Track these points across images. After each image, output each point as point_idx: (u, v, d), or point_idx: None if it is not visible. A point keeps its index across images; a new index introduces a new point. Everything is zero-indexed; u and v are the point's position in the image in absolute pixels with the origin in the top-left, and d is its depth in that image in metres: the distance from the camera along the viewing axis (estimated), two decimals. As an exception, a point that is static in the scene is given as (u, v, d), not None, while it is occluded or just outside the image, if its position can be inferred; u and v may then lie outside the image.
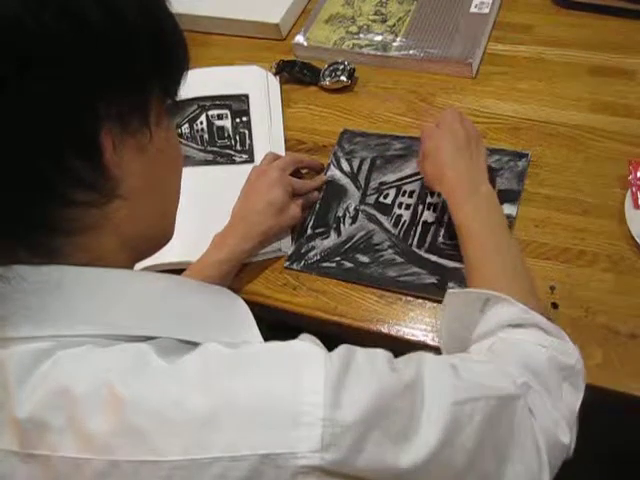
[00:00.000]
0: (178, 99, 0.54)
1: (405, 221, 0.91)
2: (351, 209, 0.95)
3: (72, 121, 0.45)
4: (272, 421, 0.45)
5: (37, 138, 0.44)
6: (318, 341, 0.51)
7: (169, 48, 0.52)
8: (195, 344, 0.50)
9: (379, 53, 1.13)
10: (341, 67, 1.10)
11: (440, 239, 0.88)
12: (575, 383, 0.63)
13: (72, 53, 0.44)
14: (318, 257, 0.91)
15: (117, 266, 0.53)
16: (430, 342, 0.81)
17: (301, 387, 0.46)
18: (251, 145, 1.04)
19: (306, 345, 0.49)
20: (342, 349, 0.50)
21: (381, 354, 0.52)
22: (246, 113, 1.08)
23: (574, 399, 0.62)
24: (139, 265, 0.60)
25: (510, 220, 0.88)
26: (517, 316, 0.65)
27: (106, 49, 0.46)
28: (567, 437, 0.59)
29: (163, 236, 0.60)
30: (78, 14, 0.44)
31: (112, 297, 0.51)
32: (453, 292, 0.73)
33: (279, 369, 0.47)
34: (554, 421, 0.59)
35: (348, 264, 0.89)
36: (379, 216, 0.93)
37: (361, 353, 0.51)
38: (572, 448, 0.61)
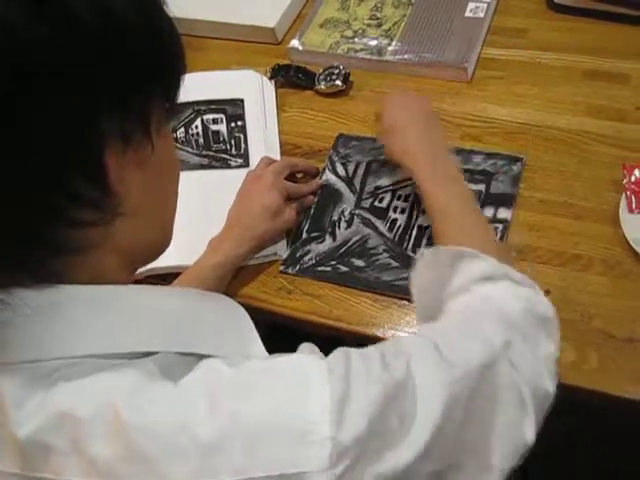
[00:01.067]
0: (177, 103, 0.53)
1: (400, 225, 0.91)
2: (346, 213, 0.95)
3: (76, 140, 0.44)
4: (279, 441, 0.44)
5: (39, 158, 0.43)
6: (317, 349, 0.51)
7: (168, 51, 0.50)
8: (198, 356, 0.50)
9: (374, 57, 1.13)
10: (336, 71, 1.10)
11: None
12: (551, 332, 0.64)
13: (71, 63, 0.42)
14: (313, 261, 0.90)
15: (117, 280, 0.52)
16: (425, 346, 0.80)
17: (305, 405, 0.46)
18: (246, 149, 1.04)
19: (306, 359, 0.49)
20: (339, 355, 0.50)
21: (374, 355, 0.52)
22: (241, 117, 1.08)
23: (552, 347, 0.63)
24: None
25: (505, 224, 0.88)
26: (488, 270, 0.66)
27: (103, 55, 0.44)
28: (550, 385, 0.60)
29: (162, 245, 0.60)
30: (76, 21, 0.42)
31: (112, 315, 0.50)
32: (423, 252, 0.73)
33: (283, 389, 0.47)
34: (536, 371, 0.59)
35: (343, 268, 0.89)
36: (374, 220, 0.93)
37: (356, 358, 0.51)
38: (553, 391, 0.61)
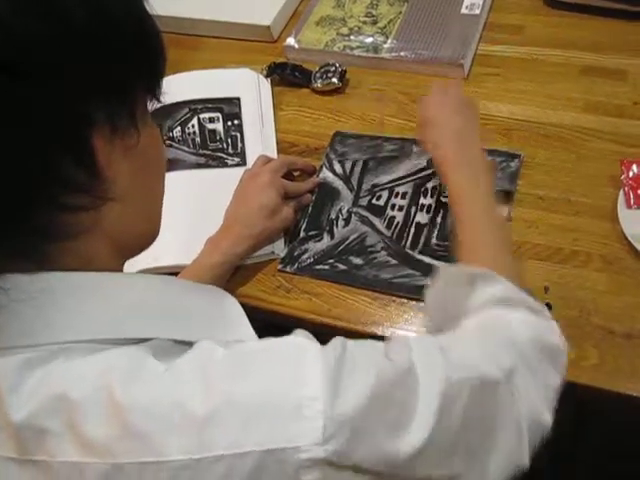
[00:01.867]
0: (161, 98, 0.54)
1: (398, 223, 0.91)
2: (344, 211, 0.94)
3: (64, 125, 0.45)
4: (273, 417, 0.45)
5: (30, 144, 0.44)
6: (312, 336, 0.51)
7: (151, 47, 0.52)
8: (190, 343, 0.50)
9: (370, 55, 1.12)
10: (332, 69, 1.10)
11: (433, 240, 0.88)
12: (558, 363, 0.63)
13: (61, 55, 0.44)
14: (311, 259, 0.90)
15: (107, 268, 0.53)
16: (424, 344, 0.80)
17: (299, 381, 0.46)
18: (243, 148, 1.04)
19: (301, 339, 0.50)
20: (335, 341, 0.50)
21: (374, 343, 0.53)
22: (238, 116, 1.07)
23: (557, 380, 0.63)
24: (133, 269, 0.59)
25: (503, 221, 0.88)
26: (507, 293, 0.65)
27: (93, 49, 0.45)
28: (548, 418, 0.60)
29: (151, 235, 0.60)
30: (65, 17, 0.44)
31: (105, 301, 0.50)
32: (444, 266, 0.73)
33: (276, 365, 0.47)
34: (537, 403, 0.59)
35: (342, 266, 0.89)
36: (372, 218, 0.93)
37: (354, 343, 0.51)
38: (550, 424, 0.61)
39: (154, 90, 0.53)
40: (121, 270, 0.58)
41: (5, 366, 0.47)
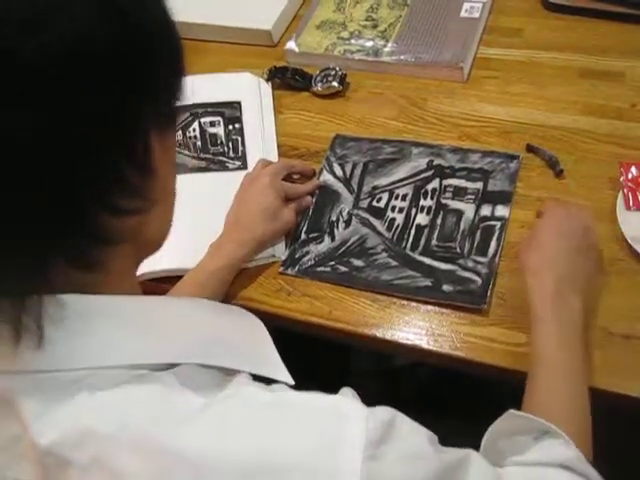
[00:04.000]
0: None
1: (398, 224, 0.92)
2: (344, 213, 0.95)
3: (123, 124, 0.46)
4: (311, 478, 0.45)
5: (93, 143, 0.44)
6: (357, 396, 0.51)
7: (180, 56, 0.52)
8: (219, 368, 0.50)
9: (370, 58, 1.13)
10: (333, 73, 1.10)
11: (434, 242, 0.89)
12: None
13: (121, 70, 0.45)
14: (312, 262, 0.91)
15: (130, 274, 0.53)
16: (425, 346, 0.81)
17: (342, 444, 0.45)
18: (244, 152, 1.05)
19: (348, 401, 0.49)
20: (385, 409, 0.49)
21: (425, 430, 0.51)
22: (239, 120, 1.08)
23: None
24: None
25: (503, 221, 0.88)
26: (571, 461, 0.60)
27: (141, 53, 0.46)
28: None
29: (164, 240, 0.60)
30: (138, 27, 0.46)
31: (134, 327, 0.50)
32: (514, 413, 0.66)
33: (320, 427, 0.47)
34: None
35: (342, 268, 0.89)
36: (372, 220, 0.93)
37: (404, 418, 0.50)
38: None
39: (179, 95, 0.54)
40: (135, 274, 0.58)
41: (31, 392, 0.46)
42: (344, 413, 0.47)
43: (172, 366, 0.50)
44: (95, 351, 0.48)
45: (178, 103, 0.53)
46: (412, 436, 0.49)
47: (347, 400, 0.49)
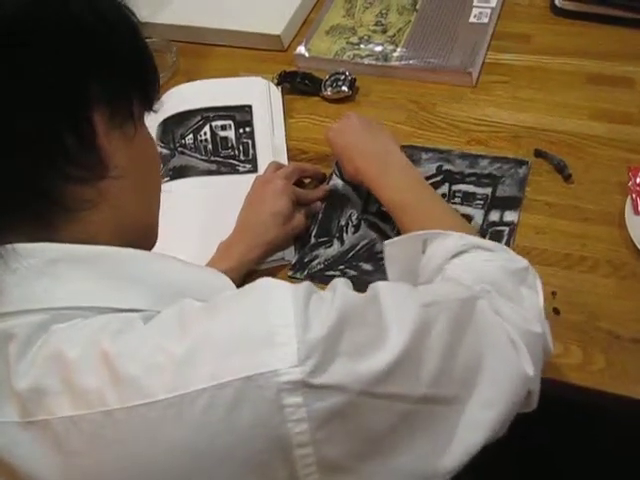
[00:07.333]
0: (155, 110, 0.59)
1: (407, 229, 0.92)
2: (354, 218, 0.96)
3: (66, 97, 0.50)
4: (248, 346, 0.47)
5: (41, 113, 0.48)
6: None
7: (144, 55, 0.57)
8: None
9: (380, 63, 1.14)
10: (342, 77, 1.11)
11: (442, 246, 0.89)
12: (530, 283, 0.65)
13: (67, 43, 0.49)
14: (322, 266, 0.91)
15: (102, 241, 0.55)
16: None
17: (271, 311, 0.48)
18: (254, 155, 1.05)
19: (271, 279, 0.52)
20: (304, 282, 0.53)
21: (340, 279, 0.56)
22: (249, 124, 1.09)
23: (535, 297, 0.64)
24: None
25: (512, 227, 0.89)
26: (458, 244, 0.68)
27: (94, 40, 0.51)
28: (539, 327, 0.61)
29: (150, 228, 0.63)
30: (74, 15, 0.50)
31: (104, 274, 0.53)
32: (391, 242, 0.76)
33: (248, 301, 0.50)
34: (521, 318, 0.61)
35: (352, 272, 0.90)
36: (381, 224, 0.94)
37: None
38: (549, 342, 0.63)
39: (149, 102, 0.58)
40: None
41: (13, 331, 0.48)
42: (269, 286, 0.51)
43: (136, 311, 0.52)
44: (64, 293, 0.51)
45: (143, 111, 0.58)
46: (331, 291, 0.53)
47: (270, 278, 0.53)
